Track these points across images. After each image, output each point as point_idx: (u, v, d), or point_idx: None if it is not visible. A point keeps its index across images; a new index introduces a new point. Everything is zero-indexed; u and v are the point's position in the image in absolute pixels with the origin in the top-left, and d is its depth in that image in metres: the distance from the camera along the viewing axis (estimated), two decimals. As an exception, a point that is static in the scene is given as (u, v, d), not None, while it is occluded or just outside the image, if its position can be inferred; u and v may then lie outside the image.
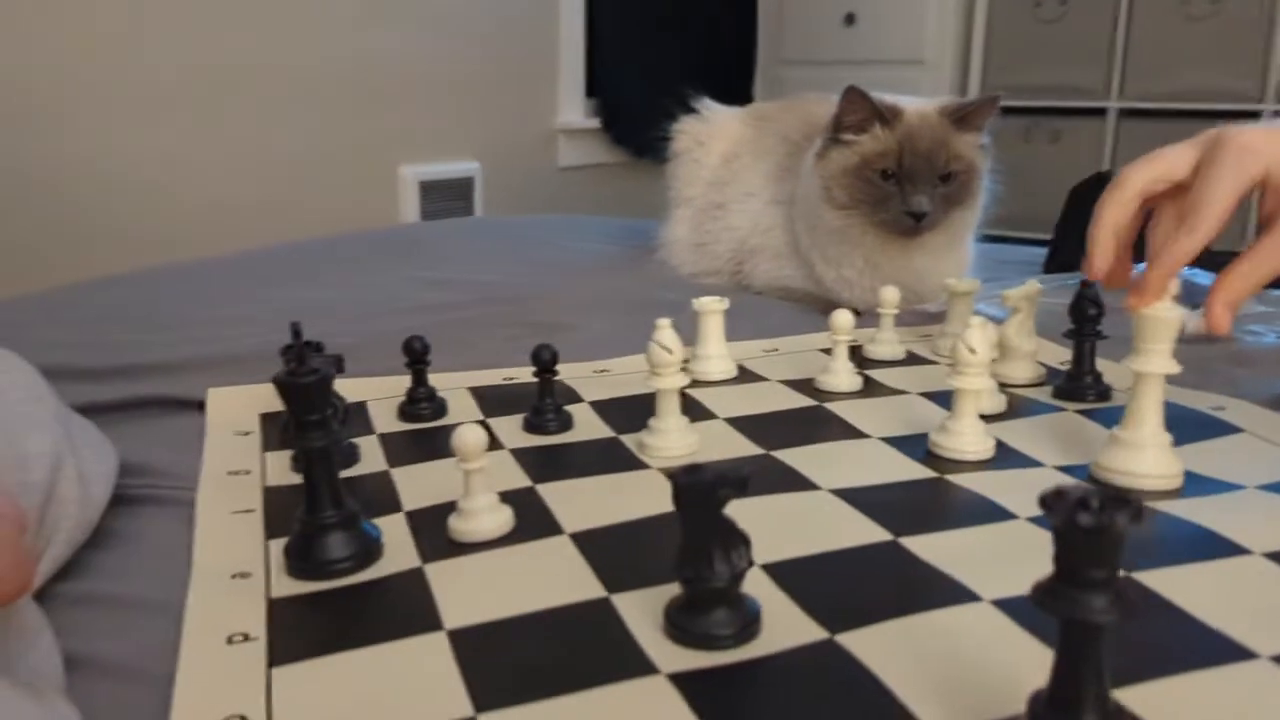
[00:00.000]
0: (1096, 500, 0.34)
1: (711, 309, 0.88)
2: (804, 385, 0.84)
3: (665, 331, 0.69)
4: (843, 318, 0.84)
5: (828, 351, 0.85)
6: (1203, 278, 1.01)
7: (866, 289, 1.09)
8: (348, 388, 0.84)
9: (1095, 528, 0.33)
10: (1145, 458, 0.63)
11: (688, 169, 1.31)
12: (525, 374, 0.85)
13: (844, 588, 0.51)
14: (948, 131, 1.04)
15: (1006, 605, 0.48)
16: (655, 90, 1.63)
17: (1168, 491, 0.62)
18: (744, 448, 0.71)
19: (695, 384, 0.86)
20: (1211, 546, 0.53)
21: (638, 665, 0.44)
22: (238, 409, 0.79)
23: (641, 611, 0.48)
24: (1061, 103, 3.21)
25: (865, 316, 0.97)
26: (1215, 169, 0.65)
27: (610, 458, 0.69)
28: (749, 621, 0.47)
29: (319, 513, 0.55)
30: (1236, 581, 0.50)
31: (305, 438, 0.54)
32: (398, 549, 0.57)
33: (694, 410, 0.78)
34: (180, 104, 2.31)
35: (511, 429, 0.75)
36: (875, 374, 0.87)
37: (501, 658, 0.46)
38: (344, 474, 0.67)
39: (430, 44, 2.83)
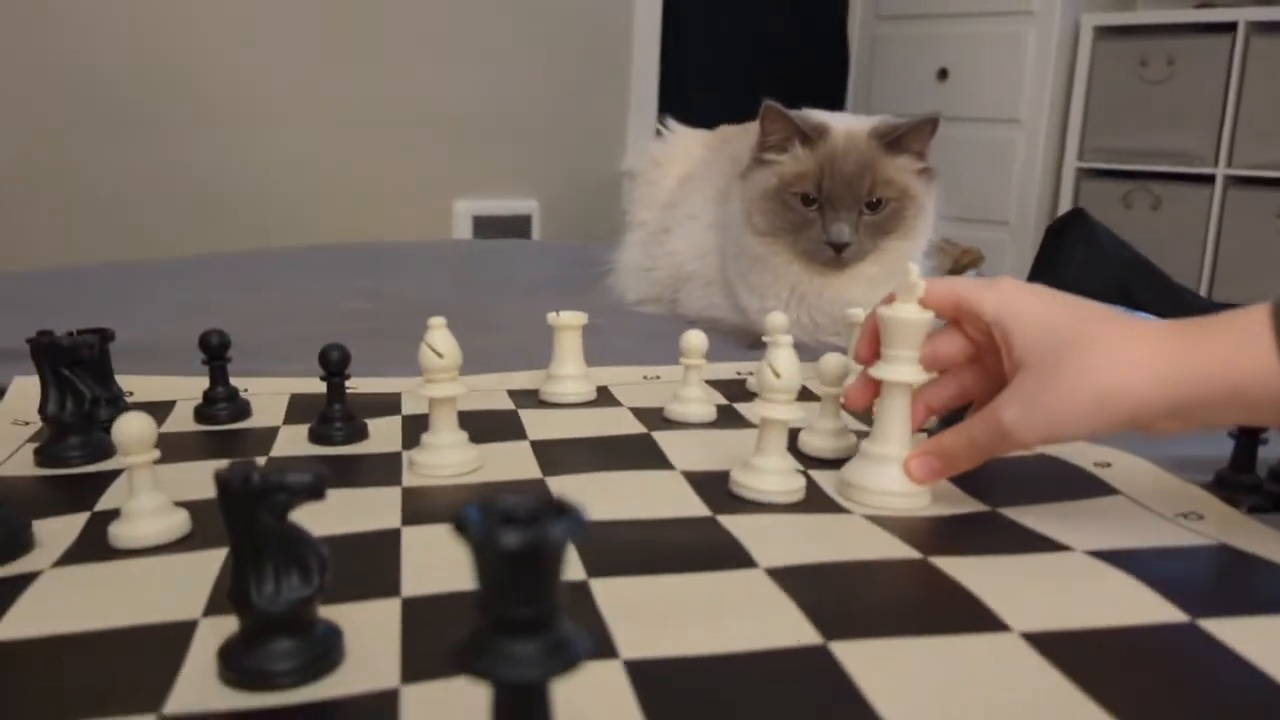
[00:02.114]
0: (526, 510, 0.25)
1: (567, 325, 0.80)
2: (652, 414, 0.75)
3: (438, 332, 0.61)
4: (694, 339, 0.75)
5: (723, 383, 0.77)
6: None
7: (793, 322, 0.99)
8: (161, 386, 0.79)
9: (521, 549, 0.24)
10: (889, 473, 0.56)
11: (644, 191, 1.23)
12: (372, 384, 0.79)
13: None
14: (876, 155, 0.94)
15: (637, 667, 0.38)
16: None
17: (926, 516, 0.55)
18: (524, 470, 0.63)
19: (542, 404, 0.78)
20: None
21: (148, 703, 0.36)
22: (34, 401, 0.74)
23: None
24: (1165, 168, 2.97)
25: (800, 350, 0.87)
26: (1072, 409, 0.52)
27: (370, 472, 0.62)
28: (323, 653, 0.39)
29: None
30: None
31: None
32: (56, 547, 0.50)
33: (508, 429, 0.70)
34: (254, 120, 2.34)
35: (296, 438, 0.68)
36: (743, 406, 0.78)
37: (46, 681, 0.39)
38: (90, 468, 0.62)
39: (496, 78, 2.82)
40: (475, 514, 0.25)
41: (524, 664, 0.25)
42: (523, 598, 0.25)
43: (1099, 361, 0.51)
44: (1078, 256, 1.02)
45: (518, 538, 0.24)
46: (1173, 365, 0.50)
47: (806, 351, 0.82)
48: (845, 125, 0.96)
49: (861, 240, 0.94)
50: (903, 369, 0.57)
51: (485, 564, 0.25)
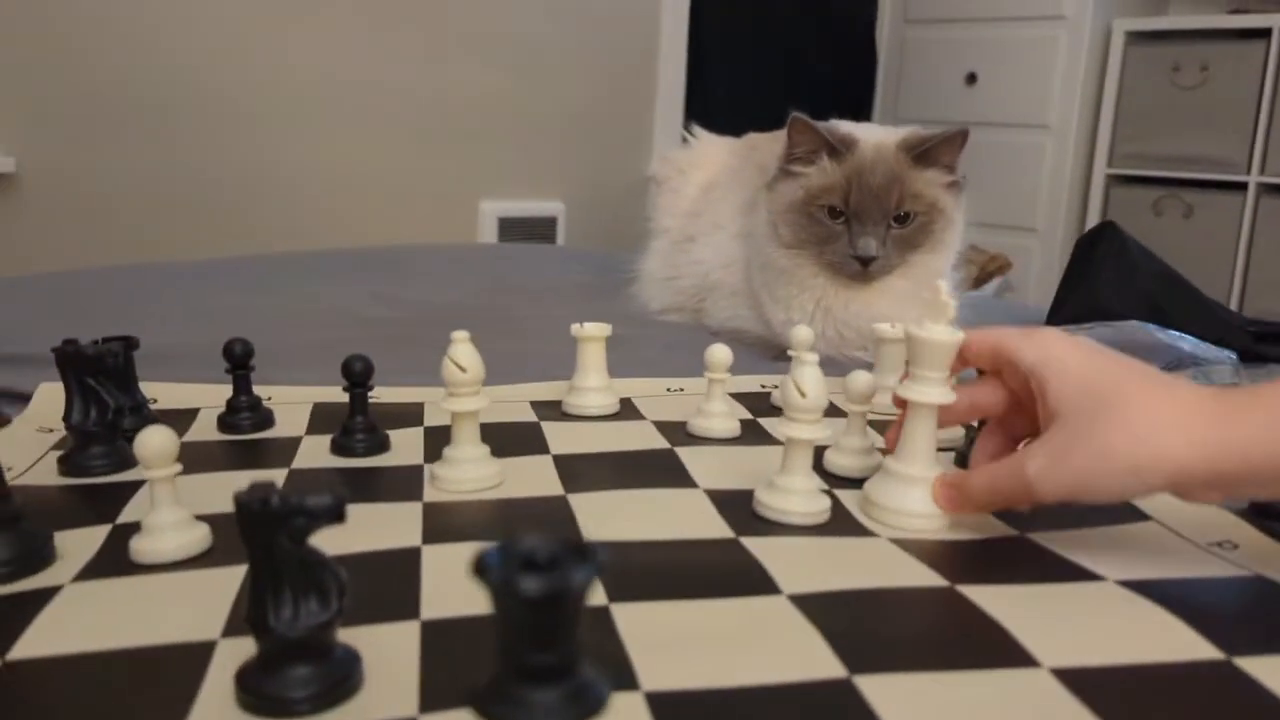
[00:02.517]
0: (547, 553, 0.25)
1: (590, 336, 0.79)
2: (676, 428, 0.75)
3: (461, 346, 0.61)
4: (718, 353, 0.74)
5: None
6: (1189, 343, 0.87)
7: (819, 335, 0.98)
8: (185, 393, 0.79)
9: (541, 596, 0.24)
10: (913, 494, 0.56)
11: (667, 199, 1.23)
12: (394, 393, 0.79)
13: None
14: (905, 168, 0.93)
15: (659, 700, 0.37)
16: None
17: (952, 541, 0.54)
18: (546, 486, 0.62)
19: (566, 417, 0.77)
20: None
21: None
22: (58, 407, 0.74)
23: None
24: (1197, 175, 2.93)
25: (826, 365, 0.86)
26: (1102, 472, 0.50)
27: (391, 486, 0.61)
28: (341, 679, 0.38)
29: (-30, 512, 0.49)
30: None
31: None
32: (77, 560, 0.50)
33: (530, 442, 0.70)
34: (279, 121, 2.35)
35: (318, 449, 0.68)
36: (767, 421, 0.77)
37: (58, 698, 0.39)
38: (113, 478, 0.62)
39: (522, 79, 2.81)
40: (495, 558, 0.24)
41: (545, 712, 0.24)
42: (543, 643, 0.25)
43: (1138, 423, 0.49)
44: (1108, 271, 1.00)
45: (538, 585, 0.24)
46: (1216, 435, 0.48)
47: (832, 366, 0.82)
48: (873, 137, 0.95)
49: (888, 254, 0.93)
50: (929, 390, 0.57)
51: (505, 609, 0.24)
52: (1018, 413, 0.59)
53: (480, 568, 0.24)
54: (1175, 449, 0.48)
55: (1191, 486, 0.49)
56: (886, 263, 0.93)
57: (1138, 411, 0.49)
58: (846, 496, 0.61)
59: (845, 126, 0.97)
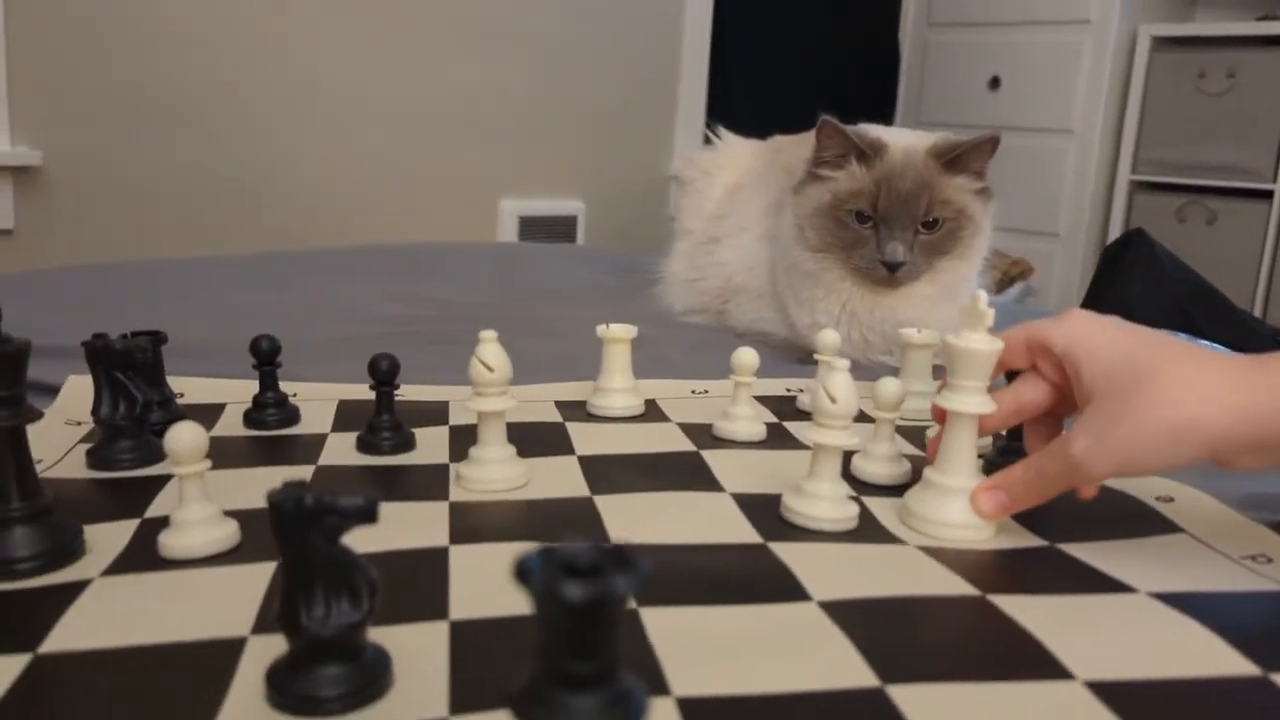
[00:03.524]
0: (588, 559, 0.25)
1: (616, 338, 0.79)
2: (701, 430, 0.74)
3: (489, 346, 0.60)
4: (745, 356, 0.74)
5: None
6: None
7: (844, 339, 0.97)
8: (212, 388, 0.79)
9: (584, 603, 0.24)
10: (954, 505, 0.55)
11: (692, 201, 1.22)
12: (420, 391, 0.79)
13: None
14: (935, 173, 0.92)
15: (690, 705, 0.37)
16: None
17: (983, 550, 0.53)
18: (572, 488, 0.62)
19: (591, 418, 0.77)
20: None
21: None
22: (86, 399, 0.75)
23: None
24: (1222, 182, 2.90)
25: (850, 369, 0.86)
26: (1145, 440, 0.50)
27: (417, 485, 0.61)
28: (371, 680, 0.38)
29: (3, 504, 0.49)
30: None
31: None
32: (106, 555, 0.50)
33: (555, 443, 0.70)
34: (303, 119, 2.36)
35: (344, 446, 0.68)
36: (793, 425, 0.77)
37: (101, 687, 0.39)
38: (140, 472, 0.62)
39: (544, 78, 2.81)
40: (537, 564, 0.24)
41: (584, 719, 0.24)
42: (584, 650, 0.24)
43: (1173, 391, 0.50)
44: (1136, 279, 1.00)
45: (582, 591, 0.23)
46: (1253, 398, 0.48)
47: (857, 370, 0.81)
48: (903, 142, 0.94)
49: (916, 260, 0.92)
50: (969, 399, 0.56)
51: (547, 616, 0.24)
52: (1062, 403, 0.59)
53: (522, 572, 0.24)
54: (1213, 414, 0.48)
55: (1231, 451, 0.49)
56: (914, 268, 0.93)
57: (1173, 379, 0.50)
58: (874, 503, 0.60)
59: (874, 131, 0.96)
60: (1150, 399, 0.50)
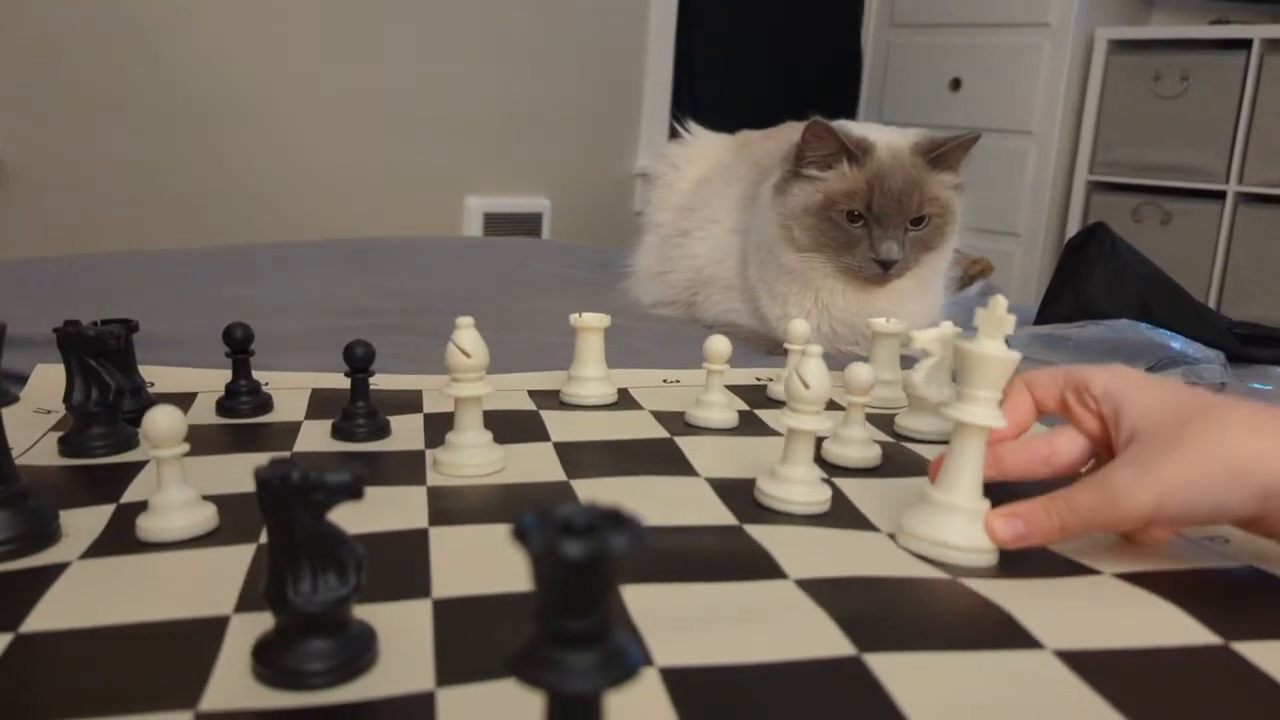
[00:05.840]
0: (585, 519, 0.25)
1: (589, 326, 0.79)
2: (674, 418, 0.75)
3: (466, 332, 0.61)
4: (718, 344, 0.74)
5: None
6: (1179, 343, 0.88)
7: (814, 330, 0.98)
8: (182, 377, 0.79)
9: (583, 560, 0.24)
10: (954, 525, 0.51)
11: (660, 194, 1.23)
12: (392, 381, 0.79)
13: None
14: (921, 171, 0.94)
15: (673, 675, 0.38)
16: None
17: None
18: (548, 473, 0.62)
19: (564, 406, 0.78)
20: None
21: (184, 699, 0.36)
22: (55, 388, 0.74)
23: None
24: (1176, 183, 2.94)
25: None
26: (1198, 475, 0.47)
27: (394, 471, 0.62)
28: (357, 654, 0.38)
29: (-23, 488, 0.49)
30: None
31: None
32: (83, 539, 0.50)
33: (530, 430, 0.70)
34: (268, 115, 2.34)
35: (319, 433, 0.68)
36: (764, 413, 0.78)
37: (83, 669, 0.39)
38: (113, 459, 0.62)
39: (510, 75, 2.80)
40: (534, 523, 0.25)
41: (582, 675, 0.25)
42: (581, 608, 0.25)
43: (1232, 431, 0.47)
44: (1099, 271, 1.02)
45: (580, 549, 0.24)
46: None
47: (825, 361, 0.82)
48: (884, 139, 0.96)
49: (907, 256, 0.94)
50: (980, 411, 0.51)
51: (545, 574, 0.25)
52: (1098, 463, 0.56)
53: (520, 532, 0.24)
54: (1274, 452, 0.46)
55: None
56: (905, 265, 0.94)
57: (1231, 417, 0.48)
58: (847, 485, 0.61)
59: (858, 129, 0.98)
60: (1206, 436, 0.47)
